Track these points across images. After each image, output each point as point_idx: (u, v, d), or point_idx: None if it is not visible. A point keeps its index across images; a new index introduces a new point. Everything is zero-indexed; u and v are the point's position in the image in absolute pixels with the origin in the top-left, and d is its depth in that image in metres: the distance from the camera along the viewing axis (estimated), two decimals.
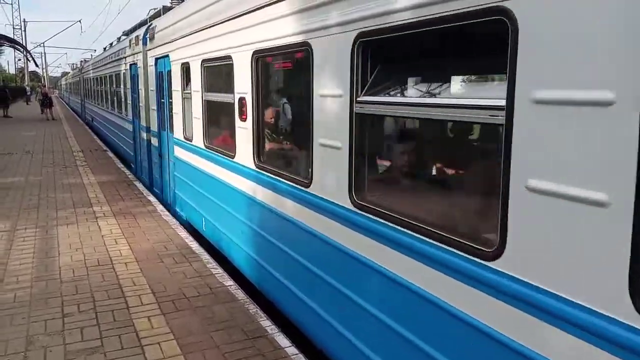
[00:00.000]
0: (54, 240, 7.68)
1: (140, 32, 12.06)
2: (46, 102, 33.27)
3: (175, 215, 9.28)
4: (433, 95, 3.37)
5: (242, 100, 5.72)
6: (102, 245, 7.42)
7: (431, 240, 3.00)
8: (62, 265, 6.59)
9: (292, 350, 4.55)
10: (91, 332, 4.83)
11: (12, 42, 39.03)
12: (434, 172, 3.94)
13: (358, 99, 3.55)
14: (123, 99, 14.81)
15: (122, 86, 14.87)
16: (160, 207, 9.70)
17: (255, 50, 5.27)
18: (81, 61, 38.49)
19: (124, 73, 14.29)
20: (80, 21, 53.18)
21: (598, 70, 2.00)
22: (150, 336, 4.75)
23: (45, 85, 52.60)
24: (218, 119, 7.09)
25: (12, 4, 63.23)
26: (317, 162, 4.24)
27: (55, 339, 4.69)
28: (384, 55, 3.61)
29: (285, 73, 5.80)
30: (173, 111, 9.05)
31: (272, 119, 5.63)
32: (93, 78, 24.72)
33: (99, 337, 4.74)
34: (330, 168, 4.02)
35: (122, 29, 23.78)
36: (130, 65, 12.84)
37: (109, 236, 7.85)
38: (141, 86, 11.59)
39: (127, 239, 7.72)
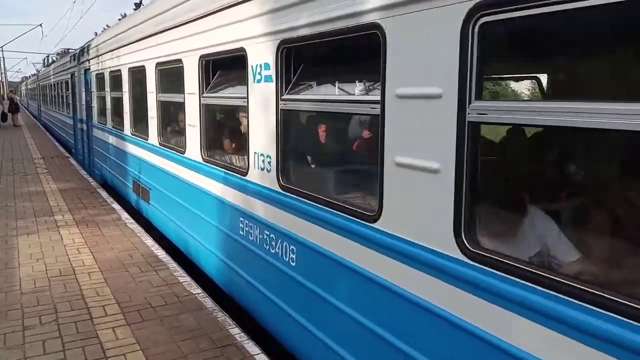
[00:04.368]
0: (13, 250, 7.43)
1: None
2: (12, 108, 33.17)
3: None
4: None
5: None
6: (65, 255, 7.22)
7: None
8: (22, 276, 6.38)
9: (262, 357, 4.52)
10: (53, 345, 4.68)
11: None
12: None
13: None
14: None
15: None
16: (125, 215, 9.50)
17: None
18: (60, 52, 25.03)
19: None
20: (41, 25, 51.52)
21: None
22: (115, 347, 4.64)
23: (11, 91, 51.34)
24: None
25: None
26: None
27: (16, 353, 4.53)
28: None
29: None
30: None
31: None
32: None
33: (62, 349, 4.60)
34: None
35: (85, 34, 22.35)
36: None
37: (71, 245, 7.65)
38: None
39: (91, 248, 7.54)
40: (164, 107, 8.05)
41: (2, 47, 63.64)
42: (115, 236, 8.14)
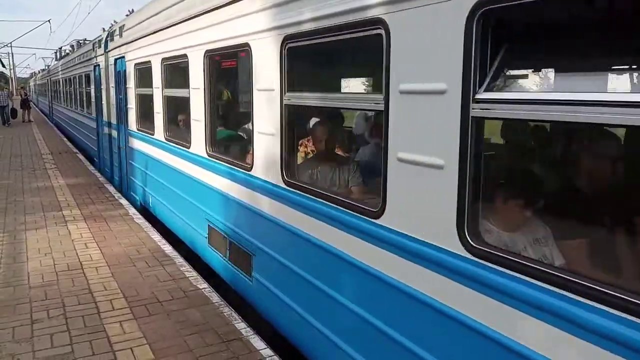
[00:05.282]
0: (22, 245, 7.49)
1: None
2: (25, 105, 34.35)
3: None
4: None
5: None
6: (72, 249, 7.27)
7: None
8: (30, 270, 6.44)
9: (267, 352, 4.53)
10: (61, 339, 4.73)
11: None
12: None
13: None
14: None
15: None
16: (132, 210, 9.55)
17: None
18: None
19: None
20: (49, 21, 51.69)
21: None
22: (122, 341, 4.68)
23: (22, 87, 52.03)
24: None
25: None
26: None
27: (24, 346, 4.58)
28: None
29: None
30: None
31: None
32: None
33: (69, 343, 4.65)
34: None
35: (92, 29, 22.24)
36: None
37: (79, 240, 7.70)
38: None
39: (98, 242, 7.59)
40: (295, 116, 4.55)
41: (10, 43, 63.82)
42: (123, 231, 8.19)
